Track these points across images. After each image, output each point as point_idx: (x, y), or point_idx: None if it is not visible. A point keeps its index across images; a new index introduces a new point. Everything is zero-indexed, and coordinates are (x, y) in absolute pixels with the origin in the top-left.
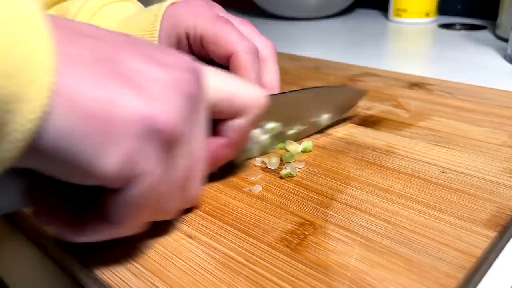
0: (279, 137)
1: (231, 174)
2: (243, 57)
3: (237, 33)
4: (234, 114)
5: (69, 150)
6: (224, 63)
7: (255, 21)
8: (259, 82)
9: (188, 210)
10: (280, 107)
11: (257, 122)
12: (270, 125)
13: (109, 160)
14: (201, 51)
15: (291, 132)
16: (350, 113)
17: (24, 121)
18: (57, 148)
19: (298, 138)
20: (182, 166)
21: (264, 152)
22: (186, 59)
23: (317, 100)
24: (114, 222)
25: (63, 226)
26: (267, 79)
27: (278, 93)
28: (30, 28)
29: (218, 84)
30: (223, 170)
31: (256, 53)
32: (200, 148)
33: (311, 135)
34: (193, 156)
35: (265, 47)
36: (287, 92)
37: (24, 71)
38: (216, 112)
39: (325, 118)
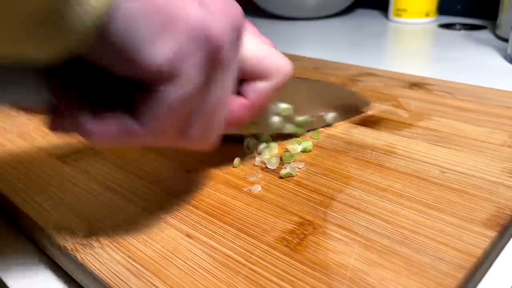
0: (288, 121)
1: (230, 174)
2: None
3: None
4: (260, 76)
5: (128, 33)
6: None
7: (255, 21)
8: None
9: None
10: (295, 90)
11: (279, 90)
12: (283, 105)
13: (160, 49)
14: None
15: (300, 119)
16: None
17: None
18: (119, 30)
19: (305, 127)
20: (215, 92)
21: (274, 131)
22: (237, 4)
23: (327, 95)
24: (144, 121)
25: (84, 115)
26: None
27: (297, 77)
28: None
29: (252, 43)
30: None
31: None
32: (229, 91)
33: (316, 129)
34: (226, 89)
35: None
36: (305, 78)
37: None
38: (244, 70)
39: (331, 115)
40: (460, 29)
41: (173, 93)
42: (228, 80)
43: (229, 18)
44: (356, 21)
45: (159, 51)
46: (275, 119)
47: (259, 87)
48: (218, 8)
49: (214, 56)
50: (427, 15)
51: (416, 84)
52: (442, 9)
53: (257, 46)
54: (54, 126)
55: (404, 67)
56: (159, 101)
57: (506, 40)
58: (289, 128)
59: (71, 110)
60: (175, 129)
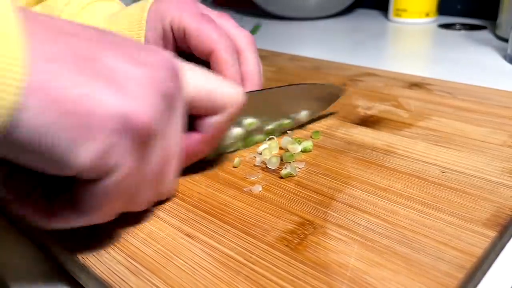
0: (257, 132)
1: (231, 174)
2: (223, 55)
3: (218, 32)
4: (212, 111)
5: (45, 143)
6: (204, 59)
7: (255, 21)
8: (239, 76)
9: (163, 201)
10: (257, 103)
11: (234, 119)
12: (248, 120)
13: (84, 153)
14: (185, 45)
15: (268, 127)
16: (330, 109)
17: None
18: (33, 141)
19: (276, 133)
20: (155, 160)
21: (244, 146)
22: (165, 57)
23: (294, 97)
24: (85, 211)
25: (36, 213)
26: (247, 70)
27: (256, 90)
28: (1, 29)
29: (197, 81)
30: (203, 162)
31: (235, 50)
32: (175, 144)
33: (292, 129)
34: (167, 151)
35: (242, 38)
36: (265, 89)
37: None
38: (194, 108)
39: (304, 114)
40: (460, 29)
41: (106, 184)
42: (168, 140)
43: (152, 90)
44: (356, 21)
45: (83, 154)
46: (240, 135)
47: (212, 121)
48: (137, 86)
49: (142, 138)
50: (427, 15)
51: (416, 84)
52: (442, 9)
53: (203, 82)
54: (11, 210)
55: (404, 67)
56: (93, 193)
57: (506, 40)
58: (259, 139)
59: (21, 206)
60: (121, 205)
